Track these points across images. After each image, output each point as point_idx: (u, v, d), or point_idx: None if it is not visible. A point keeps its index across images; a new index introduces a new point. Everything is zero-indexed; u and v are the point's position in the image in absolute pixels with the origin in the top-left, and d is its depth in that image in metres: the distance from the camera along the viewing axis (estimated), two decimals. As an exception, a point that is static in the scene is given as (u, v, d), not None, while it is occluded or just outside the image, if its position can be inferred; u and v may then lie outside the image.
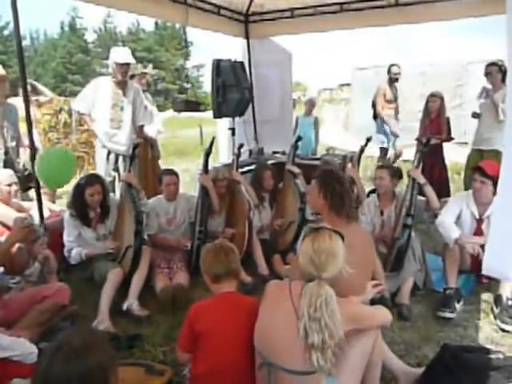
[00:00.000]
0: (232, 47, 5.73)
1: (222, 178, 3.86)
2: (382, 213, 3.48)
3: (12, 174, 3.51)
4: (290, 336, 1.65)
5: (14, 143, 4.21)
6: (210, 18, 5.20)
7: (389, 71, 5.97)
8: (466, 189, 4.13)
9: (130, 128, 4.32)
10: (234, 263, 2.04)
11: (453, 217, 3.20)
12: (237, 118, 5.21)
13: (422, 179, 3.27)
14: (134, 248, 3.19)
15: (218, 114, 4.98)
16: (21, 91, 3.66)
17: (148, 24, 48.80)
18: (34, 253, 2.94)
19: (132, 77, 4.76)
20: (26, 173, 4.07)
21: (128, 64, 4.19)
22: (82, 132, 8.01)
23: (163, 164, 5.73)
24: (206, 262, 2.05)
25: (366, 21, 5.08)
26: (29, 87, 5.89)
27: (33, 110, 6.09)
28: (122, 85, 4.23)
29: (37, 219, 3.35)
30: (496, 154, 4.44)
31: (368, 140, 4.29)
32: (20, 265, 2.70)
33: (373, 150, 6.14)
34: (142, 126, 4.59)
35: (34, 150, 3.50)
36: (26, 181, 4.01)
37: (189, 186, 5.77)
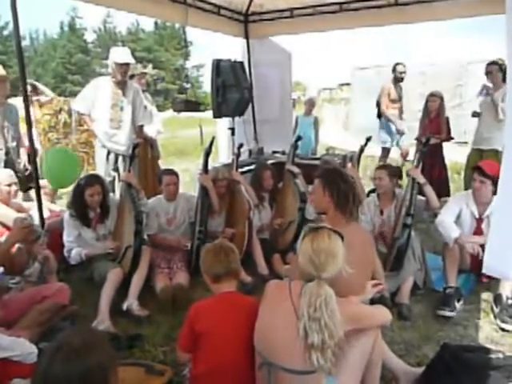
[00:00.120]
0: (232, 47, 5.73)
1: (222, 177, 3.86)
2: (381, 212, 3.48)
3: (12, 175, 3.51)
4: (289, 336, 1.65)
5: (14, 143, 4.22)
6: (210, 18, 5.19)
7: (394, 70, 5.91)
8: (466, 188, 4.13)
9: (130, 128, 4.32)
10: (233, 263, 2.04)
11: (453, 216, 3.20)
12: (236, 118, 5.21)
13: (421, 179, 3.27)
14: (133, 248, 3.19)
15: (217, 114, 4.98)
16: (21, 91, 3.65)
17: (148, 24, 48.93)
18: (34, 253, 2.94)
19: (132, 77, 4.76)
20: (27, 173, 4.07)
21: (128, 64, 4.19)
22: (82, 132, 8.01)
23: (163, 164, 5.74)
24: (206, 262, 2.05)
25: (365, 20, 5.08)
26: (30, 87, 5.93)
27: (34, 110, 6.16)
28: (122, 85, 4.23)
29: (37, 219, 3.35)
30: (496, 154, 4.45)
31: (368, 140, 4.29)
32: (20, 265, 2.70)
33: (373, 150, 6.14)
34: (141, 126, 4.59)
35: (33, 150, 3.50)
36: (27, 181, 4.02)
37: (189, 186, 5.77)
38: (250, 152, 5.76)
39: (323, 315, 1.62)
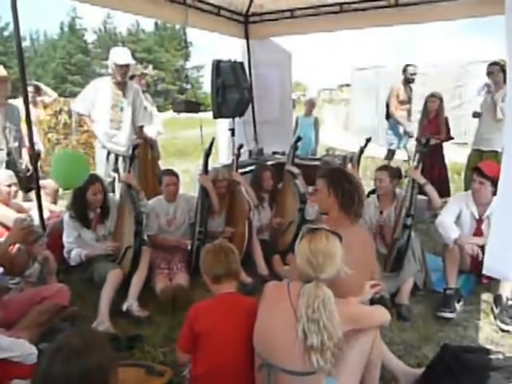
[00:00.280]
0: (232, 48, 5.72)
1: (222, 178, 3.86)
2: (381, 213, 3.47)
3: (12, 175, 3.51)
4: (289, 337, 1.65)
5: (16, 144, 4.21)
6: (210, 19, 5.20)
7: (404, 71, 5.87)
8: (466, 189, 4.12)
9: (130, 129, 4.32)
10: (233, 264, 2.04)
11: (453, 217, 3.20)
12: (237, 119, 5.22)
13: (421, 180, 3.26)
14: (133, 249, 3.18)
15: (217, 115, 4.98)
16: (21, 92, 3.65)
17: (148, 25, 48.87)
18: (34, 254, 2.94)
19: (132, 77, 4.76)
20: (29, 173, 4.07)
21: (128, 65, 4.18)
22: (82, 133, 8.00)
23: (163, 165, 5.73)
24: (206, 263, 2.05)
25: (365, 21, 5.08)
26: (33, 88, 5.94)
27: (37, 110, 6.16)
28: (122, 85, 4.23)
29: (37, 220, 3.35)
30: (496, 155, 4.45)
31: (367, 141, 4.29)
32: (20, 266, 2.70)
33: (373, 151, 6.14)
34: (141, 127, 4.59)
35: (33, 150, 3.51)
36: (28, 182, 4.01)
37: (189, 187, 5.77)
38: (250, 153, 5.76)
39: (322, 316, 1.62)
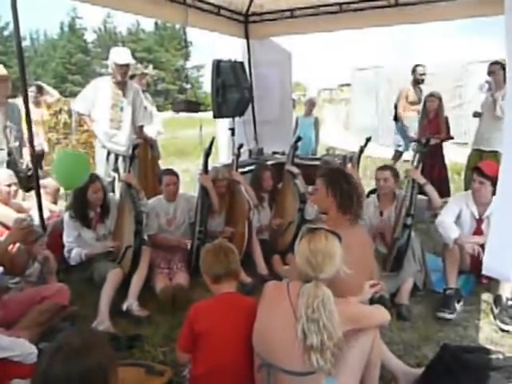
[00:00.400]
0: (232, 47, 5.72)
1: (222, 178, 3.86)
2: (381, 213, 3.47)
3: (12, 175, 3.51)
4: (288, 337, 1.65)
5: (17, 143, 4.21)
6: (210, 19, 5.20)
7: (413, 71, 5.84)
8: (467, 189, 4.12)
9: (130, 128, 4.32)
10: (233, 263, 2.04)
11: (453, 216, 3.20)
12: (237, 118, 5.21)
13: (421, 180, 3.26)
14: (133, 248, 3.19)
15: (217, 114, 4.98)
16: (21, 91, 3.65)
17: (148, 24, 48.94)
18: (34, 253, 2.94)
19: (132, 77, 4.76)
20: (29, 173, 4.06)
21: (128, 65, 4.18)
22: (82, 132, 8.00)
23: (163, 164, 5.74)
24: (206, 263, 2.05)
25: (365, 21, 5.08)
26: (36, 88, 5.94)
27: (40, 110, 6.16)
28: (122, 85, 4.23)
29: (37, 220, 3.35)
30: (496, 155, 4.44)
31: (367, 140, 4.28)
32: (20, 265, 2.70)
33: (373, 151, 6.14)
34: (141, 127, 4.59)
35: (33, 150, 3.50)
36: (28, 181, 4.01)
37: (189, 186, 5.77)
38: (250, 152, 5.76)
39: (321, 316, 1.62)
